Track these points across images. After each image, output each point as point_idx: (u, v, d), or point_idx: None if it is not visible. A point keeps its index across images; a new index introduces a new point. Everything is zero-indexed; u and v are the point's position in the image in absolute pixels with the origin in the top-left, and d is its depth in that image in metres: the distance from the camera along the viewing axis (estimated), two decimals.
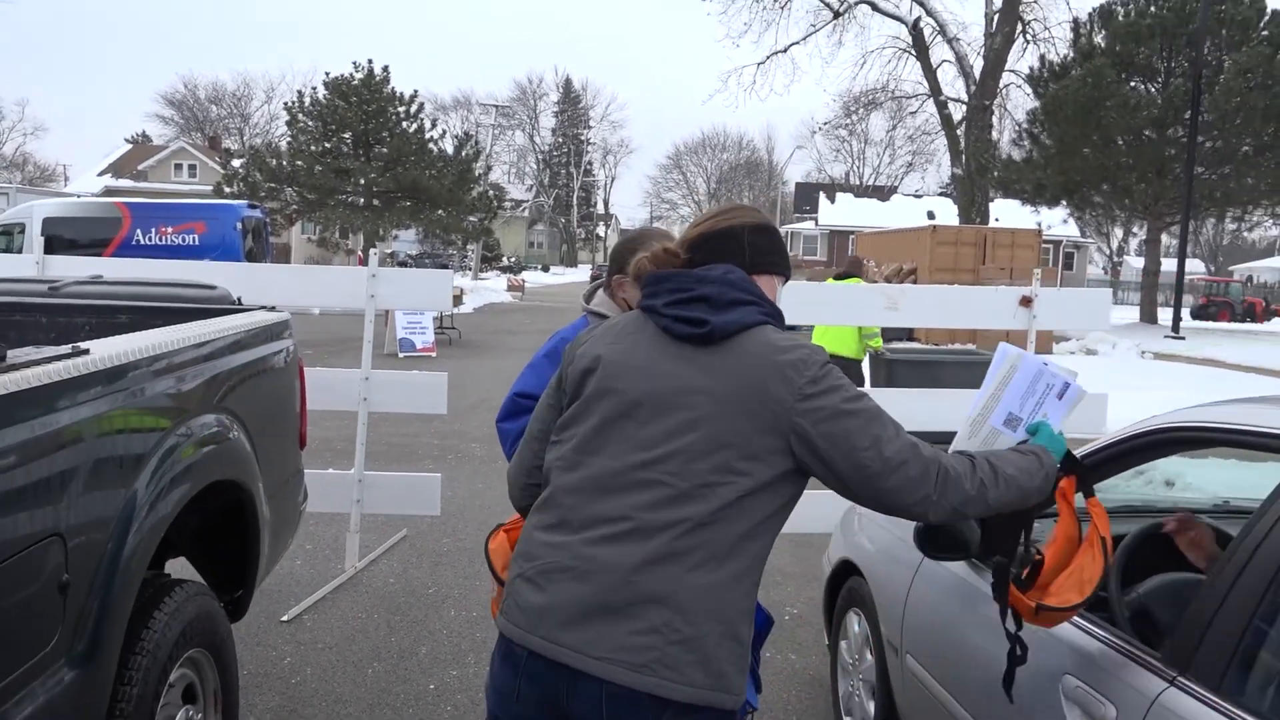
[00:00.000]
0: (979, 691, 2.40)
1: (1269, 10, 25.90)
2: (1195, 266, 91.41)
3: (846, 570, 3.58)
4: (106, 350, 2.17)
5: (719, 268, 1.80)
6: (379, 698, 3.85)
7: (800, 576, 5.44)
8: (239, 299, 4.02)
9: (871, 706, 3.25)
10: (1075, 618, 2.08)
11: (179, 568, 3.02)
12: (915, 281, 21.91)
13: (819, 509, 4.26)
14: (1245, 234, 72.46)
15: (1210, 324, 34.15)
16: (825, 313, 5.34)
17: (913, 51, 31.83)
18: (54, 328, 3.60)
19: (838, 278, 8.90)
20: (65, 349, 2.07)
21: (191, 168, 53.33)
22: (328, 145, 36.29)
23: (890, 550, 3.16)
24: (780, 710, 3.88)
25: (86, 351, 2.10)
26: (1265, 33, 25.26)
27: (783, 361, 1.68)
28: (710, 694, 1.59)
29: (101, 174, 52.24)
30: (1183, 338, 23.16)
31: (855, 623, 3.47)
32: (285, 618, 4.60)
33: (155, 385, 2.39)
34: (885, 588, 3.14)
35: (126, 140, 64.08)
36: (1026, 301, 5.13)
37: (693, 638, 1.59)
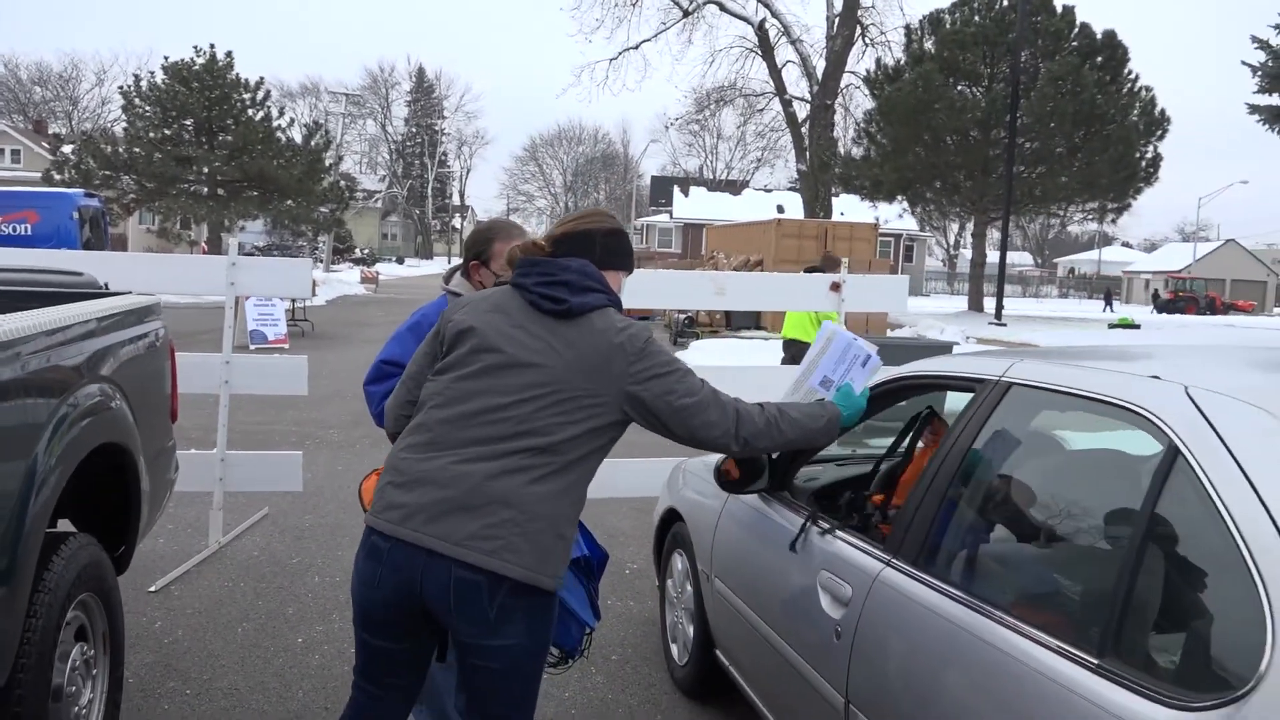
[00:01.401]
0: (766, 597, 2.97)
1: (1079, 23, 28.13)
2: (1023, 259, 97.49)
3: (671, 518, 4.12)
4: (6, 325, 2.48)
5: (576, 261, 2.31)
6: (249, 652, 4.18)
7: (640, 538, 5.98)
8: (106, 284, 4.26)
9: (691, 629, 3.80)
10: (834, 530, 2.66)
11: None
12: (761, 270, 22.95)
13: (654, 475, 4.80)
14: (1068, 229, 77.58)
15: (1037, 312, 36.81)
16: (649, 297, 5.89)
17: (759, 52, 32.98)
18: None
19: (808, 270, 9.71)
20: None
21: (15, 152, 50.33)
22: (167, 132, 35.00)
23: (703, 495, 3.71)
24: (619, 646, 4.40)
25: None
26: (1075, 44, 27.45)
27: (619, 339, 2.21)
28: (537, 575, 2.10)
29: None
30: (1005, 324, 25.03)
31: (679, 561, 4.02)
32: (153, 588, 4.84)
33: (51, 356, 2.70)
34: (699, 528, 3.69)
35: None
36: (836, 287, 5.80)
37: (531, 531, 2.10)
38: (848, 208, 41.09)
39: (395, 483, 2.19)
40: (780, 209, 48.72)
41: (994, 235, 36.77)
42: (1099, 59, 27.85)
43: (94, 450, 2.97)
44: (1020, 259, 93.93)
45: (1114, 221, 34.33)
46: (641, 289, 5.56)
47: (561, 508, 2.17)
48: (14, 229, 18.87)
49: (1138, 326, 26.00)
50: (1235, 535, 1.53)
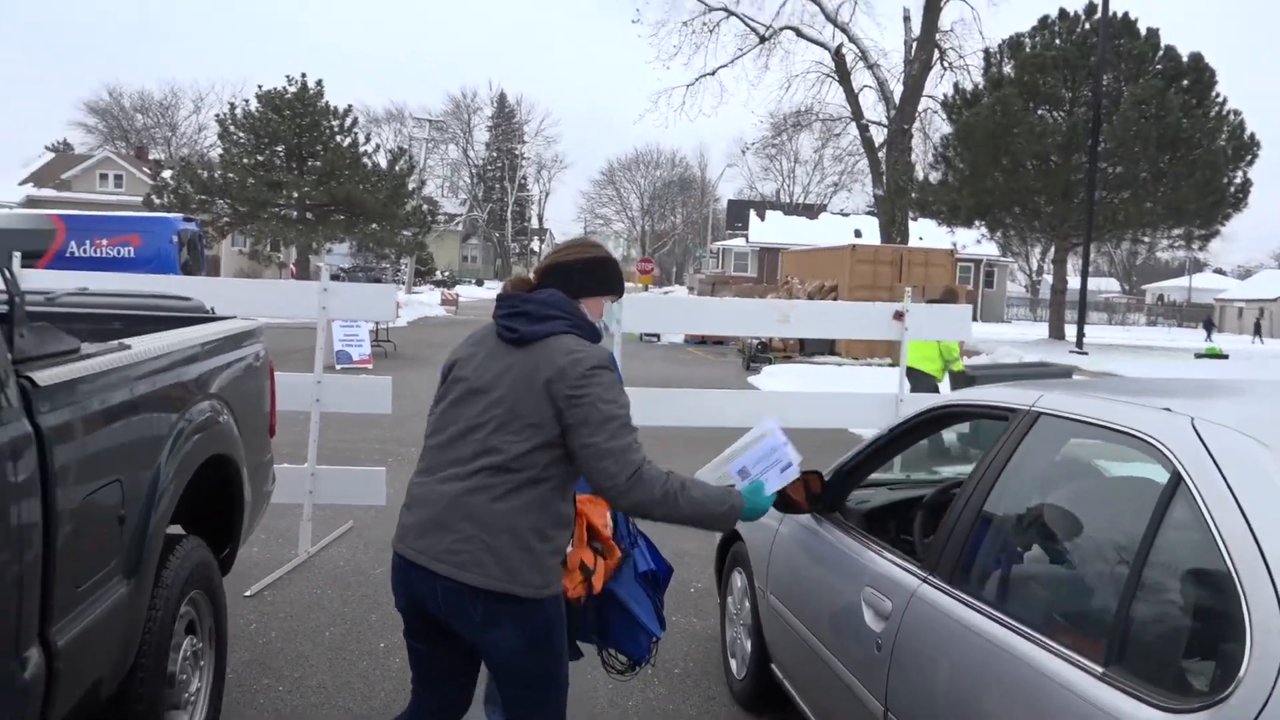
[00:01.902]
0: (816, 611, 3.15)
1: (1163, 46, 27.64)
2: (1110, 285, 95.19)
3: (732, 538, 4.32)
4: (143, 345, 2.81)
5: (544, 292, 2.53)
6: (336, 654, 4.49)
7: (704, 558, 6.16)
8: (212, 309, 4.65)
9: (749, 644, 3.99)
10: (875, 547, 2.84)
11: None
12: (836, 297, 22.98)
13: None
14: (1158, 255, 75.53)
15: (1122, 340, 35.94)
16: (715, 324, 6.11)
17: (835, 76, 33.06)
18: None
19: (930, 302, 10.03)
20: (113, 344, 2.71)
21: (117, 178, 52.65)
22: (260, 158, 36.40)
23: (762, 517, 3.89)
24: (681, 660, 4.60)
25: (129, 347, 2.74)
26: (1159, 67, 26.96)
27: (564, 361, 2.36)
28: (508, 585, 2.32)
29: (22, 183, 51.24)
30: (1086, 353, 24.55)
31: (738, 579, 4.21)
32: (248, 593, 5.19)
33: (174, 376, 3.03)
34: (757, 547, 3.88)
35: (48, 148, 62.88)
36: (899, 315, 5.94)
37: (493, 546, 2.32)
38: (926, 232, 40.80)
39: (405, 505, 2.50)
40: (858, 233, 48.47)
41: (1077, 261, 36.17)
42: (1185, 82, 27.32)
43: (205, 461, 3.29)
44: (1107, 285, 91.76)
45: (1201, 248, 33.51)
46: (709, 317, 5.79)
47: (527, 521, 2.35)
48: (118, 251, 19.91)
49: (1225, 357, 25.29)
50: (1225, 554, 1.69)
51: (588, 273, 2.60)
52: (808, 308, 6.50)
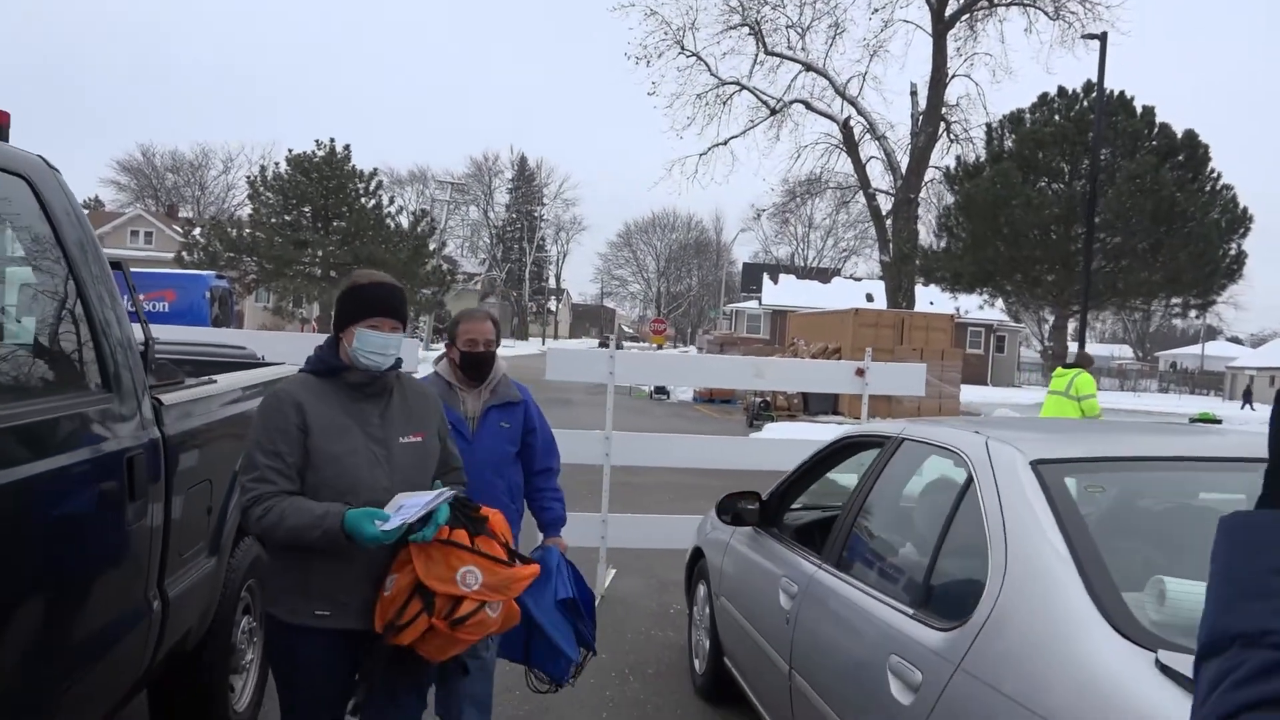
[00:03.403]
0: (748, 601, 3.91)
1: (1158, 123, 28.69)
2: (1124, 352, 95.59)
3: (697, 555, 5.09)
4: (224, 381, 3.65)
5: None
6: None
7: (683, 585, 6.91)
8: (262, 356, 5.50)
9: (708, 644, 4.73)
10: (793, 549, 3.62)
11: None
12: (840, 358, 23.78)
13: (688, 529, 5.76)
14: (1174, 322, 75.87)
15: (1129, 405, 36.44)
16: (699, 378, 6.93)
17: (843, 148, 34.21)
18: None
19: (1065, 367, 11.33)
20: (205, 379, 3.54)
21: (148, 234, 54.32)
22: (288, 218, 37.77)
23: (718, 532, 4.68)
24: (654, 663, 5.33)
25: (215, 381, 3.58)
26: (1154, 143, 27.97)
27: None
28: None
29: None
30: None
31: (701, 589, 4.97)
32: None
33: (245, 404, 3.87)
34: (713, 558, 4.65)
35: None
36: (861, 372, 6.74)
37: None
38: (934, 297, 41.70)
39: None
40: (869, 297, 49.40)
41: (1091, 328, 36.84)
42: (1180, 157, 28.31)
43: None
44: (1121, 352, 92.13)
45: (1199, 316, 34.17)
46: (690, 371, 6.59)
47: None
48: (154, 306, 20.94)
49: (1219, 421, 25.82)
50: (985, 526, 2.47)
51: (338, 307, 2.76)
52: (780, 364, 7.32)
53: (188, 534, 3.17)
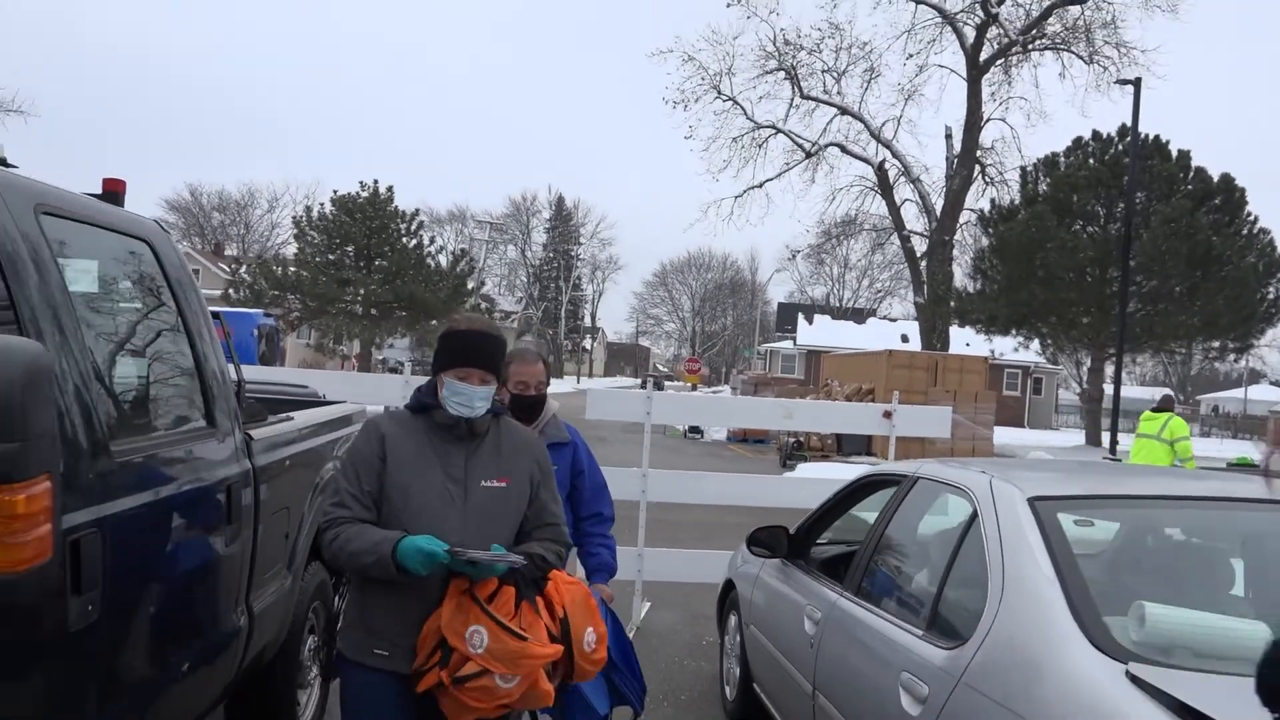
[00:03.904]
0: (776, 628, 4.20)
1: (1193, 167, 28.76)
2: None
3: (729, 587, 5.37)
4: (301, 418, 4.03)
5: None
6: None
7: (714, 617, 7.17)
8: (323, 394, 5.90)
9: (738, 671, 5.01)
10: (819, 579, 3.90)
11: None
12: (873, 399, 23.94)
13: (720, 563, 6.05)
14: (1216, 365, 74.86)
15: None
16: (731, 419, 7.24)
17: (878, 190, 34.52)
18: None
19: (1155, 410, 11.21)
20: (283, 416, 3.92)
21: (195, 272, 54.83)
22: (331, 257, 38.69)
23: (749, 564, 4.97)
24: (688, 690, 5.60)
25: (292, 419, 3.96)
26: (1189, 187, 28.03)
27: None
28: None
29: None
30: (1119, 459, 25.07)
31: (732, 619, 5.25)
32: None
33: (316, 439, 4.24)
34: (743, 590, 4.94)
35: None
36: (888, 414, 7.01)
37: None
38: (971, 339, 41.73)
39: None
40: (904, 338, 49.43)
41: (1126, 370, 36.62)
42: (1216, 200, 28.33)
43: None
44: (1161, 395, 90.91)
45: (1237, 360, 33.95)
46: (723, 412, 6.91)
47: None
48: None
49: (1256, 466, 25.62)
50: (985, 556, 2.76)
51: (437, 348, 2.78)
52: (809, 406, 7.61)
53: (269, 556, 3.53)
